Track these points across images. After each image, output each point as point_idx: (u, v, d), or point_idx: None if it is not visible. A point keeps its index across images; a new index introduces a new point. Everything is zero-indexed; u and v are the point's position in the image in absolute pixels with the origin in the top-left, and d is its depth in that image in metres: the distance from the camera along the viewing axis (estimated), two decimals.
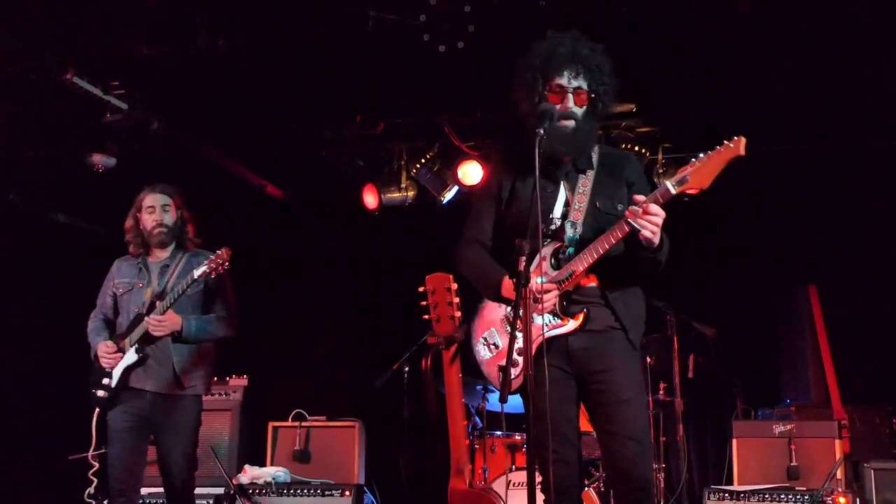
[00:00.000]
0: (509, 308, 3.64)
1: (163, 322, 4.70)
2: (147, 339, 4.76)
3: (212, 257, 4.71)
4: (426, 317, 4.12)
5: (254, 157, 7.57)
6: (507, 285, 3.56)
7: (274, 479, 5.87)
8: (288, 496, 5.81)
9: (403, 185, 7.50)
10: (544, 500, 3.47)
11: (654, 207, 3.32)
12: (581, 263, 3.47)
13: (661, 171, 6.96)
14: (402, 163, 7.51)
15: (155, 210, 4.95)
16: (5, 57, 5.75)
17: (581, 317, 3.51)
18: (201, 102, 6.64)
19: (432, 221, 7.58)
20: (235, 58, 5.96)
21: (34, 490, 6.87)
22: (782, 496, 5.42)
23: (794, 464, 5.62)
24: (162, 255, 4.98)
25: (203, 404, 4.93)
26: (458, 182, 7.30)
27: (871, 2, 5.27)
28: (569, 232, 3.54)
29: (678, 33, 5.65)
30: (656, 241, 3.36)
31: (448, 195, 7.44)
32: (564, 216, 3.57)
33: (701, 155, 3.33)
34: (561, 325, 3.53)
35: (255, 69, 6.19)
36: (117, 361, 4.77)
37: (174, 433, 4.74)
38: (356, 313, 8.13)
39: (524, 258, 3.21)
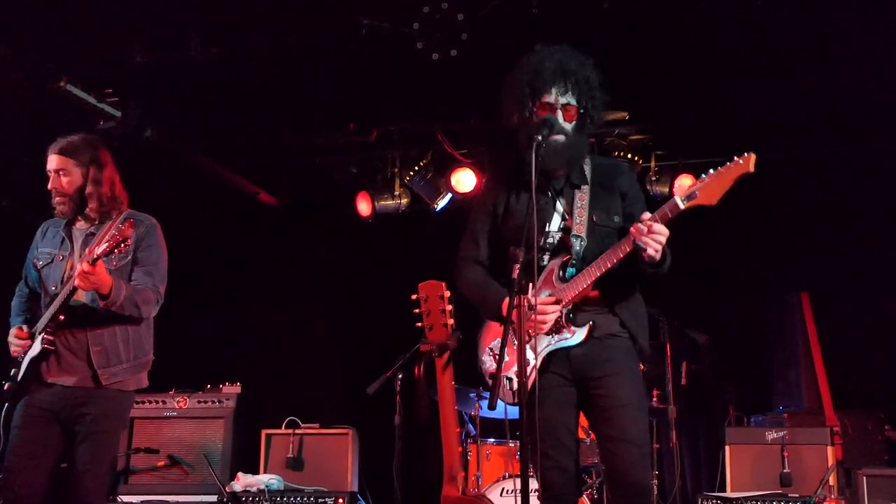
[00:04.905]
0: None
1: (91, 274, 3.86)
2: (58, 325, 4.06)
3: (113, 233, 3.91)
4: (419, 324, 4.05)
5: (247, 165, 7.58)
6: (507, 305, 3.53)
7: (267, 486, 5.89)
8: (281, 503, 5.85)
9: (397, 193, 7.55)
10: None
11: (659, 226, 3.34)
12: (586, 279, 3.50)
13: (654, 178, 7.04)
14: (396, 170, 7.56)
15: (50, 175, 4.20)
16: None
17: (588, 328, 3.54)
18: (195, 110, 6.65)
19: (426, 229, 7.63)
20: (229, 65, 5.98)
21: None
22: (775, 503, 5.41)
23: (786, 470, 5.64)
24: (87, 222, 4.27)
25: (133, 401, 4.28)
26: (451, 189, 7.35)
27: (858, 11, 5.32)
28: (575, 246, 3.57)
29: (670, 42, 5.68)
30: (658, 257, 3.39)
31: (441, 202, 7.49)
32: (567, 230, 3.58)
33: (711, 171, 3.35)
34: (568, 338, 3.55)
35: (248, 77, 6.21)
36: (25, 350, 4.11)
37: (84, 433, 4.00)
38: (349, 321, 8.12)
39: (518, 266, 3.22)
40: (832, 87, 6.13)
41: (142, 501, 5.88)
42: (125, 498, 5.92)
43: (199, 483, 6.06)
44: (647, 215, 3.39)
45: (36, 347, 4.06)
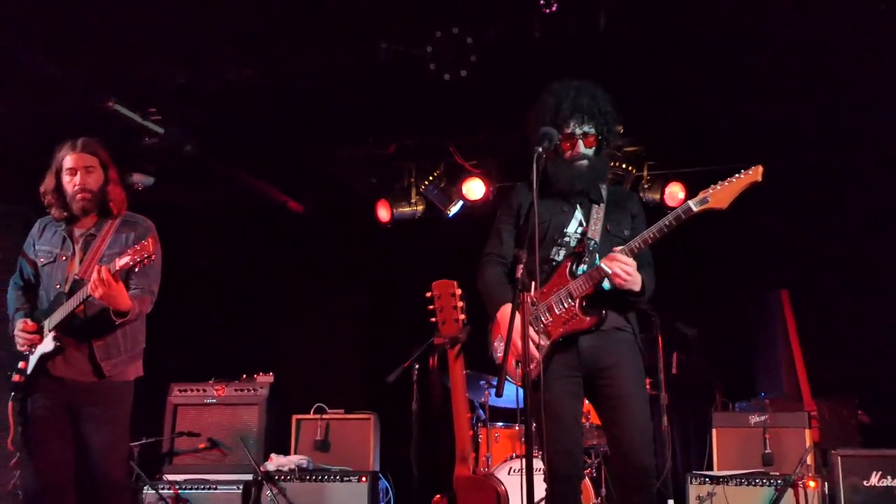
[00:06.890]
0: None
1: (108, 286, 3.81)
2: (67, 325, 4.02)
3: (136, 247, 3.86)
4: (433, 319, 4.24)
5: (277, 176, 7.77)
6: (503, 311, 3.81)
7: (297, 466, 6.06)
8: (310, 482, 5.98)
9: (413, 201, 7.76)
10: (547, 488, 3.73)
11: (622, 256, 3.63)
12: (578, 290, 3.74)
13: (646, 186, 7.21)
14: (412, 180, 7.75)
15: (76, 172, 4.12)
16: (52, 86, 5.90)
17: (598, 316, 3.76)
18: (230, 126, 6.79)
19: (439, 233, 7.85)
20: (261, 86, 6.16)
21: None
22: (757, 480, 5.57)
23: (768, 451, 5.79)
24: (87, 222, 4.19)
25: (133, 388, 4.23)
26: (462, 197, 7.60)
27: (841, 21, 5.38)
28: (589, 246, 3.82)
29: (662, 61, 5.84)
30: (629, 287, 3.66)
31: (453, 209, 7.75)
32: (584, 234, 3.84)
33: (721, 181, 3.58)
34: (579, 324, 3.76)
35: (279, 96, 6.36)
36: (34, 344, 4.05)
37: (95, 423, 4.02)
38: (371, 316, 8.25)
39: (521, 266, 3.42)
40: (816, 97, 6.25)
41: (185, 480, 6.03)
42: (170, 476, 6.09)
43: (237, 463, 6.20)
44: (617, 248, 3.67)
45: (48, 345, 4.01)
